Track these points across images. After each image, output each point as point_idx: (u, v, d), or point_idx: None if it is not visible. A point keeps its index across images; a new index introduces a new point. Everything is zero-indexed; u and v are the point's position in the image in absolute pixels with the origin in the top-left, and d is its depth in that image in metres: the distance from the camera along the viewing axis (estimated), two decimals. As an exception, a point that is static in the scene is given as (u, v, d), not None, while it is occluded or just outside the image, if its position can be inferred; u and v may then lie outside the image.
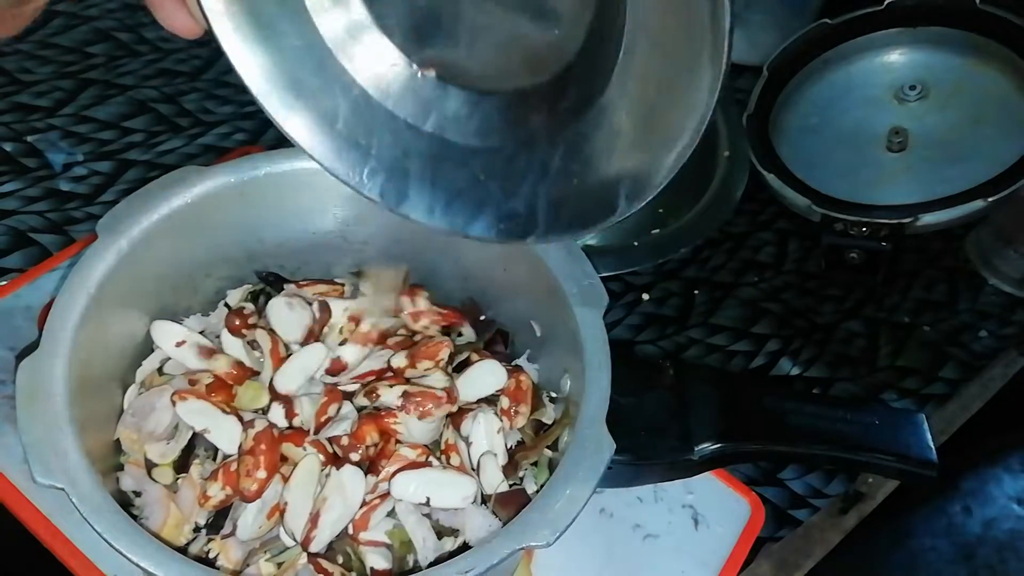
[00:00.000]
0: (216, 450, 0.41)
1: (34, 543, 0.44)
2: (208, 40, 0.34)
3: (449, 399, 0.41)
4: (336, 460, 0.40)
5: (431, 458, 0.41)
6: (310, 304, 0.45)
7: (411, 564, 0.39)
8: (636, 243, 0.59)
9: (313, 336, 0.45)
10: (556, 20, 0.34)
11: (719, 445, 0.48)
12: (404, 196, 0.38)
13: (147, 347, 0.44)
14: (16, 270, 0.59)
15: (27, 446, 0.34)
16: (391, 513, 0.40)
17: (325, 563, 0.37)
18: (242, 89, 0.36)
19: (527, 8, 0.34)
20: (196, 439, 0.41)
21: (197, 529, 0.40)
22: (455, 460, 0.41)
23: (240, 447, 0.40)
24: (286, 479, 0.39)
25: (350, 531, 0.39)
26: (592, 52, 0.33)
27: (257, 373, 0.43)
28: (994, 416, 0.63)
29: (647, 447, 0.47)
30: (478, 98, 0.37)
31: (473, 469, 0.41)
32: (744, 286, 0.67)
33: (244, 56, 0.35)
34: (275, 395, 0.42)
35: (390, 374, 0.43)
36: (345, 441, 0.40)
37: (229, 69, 0.35)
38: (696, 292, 0.66)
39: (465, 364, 0.45)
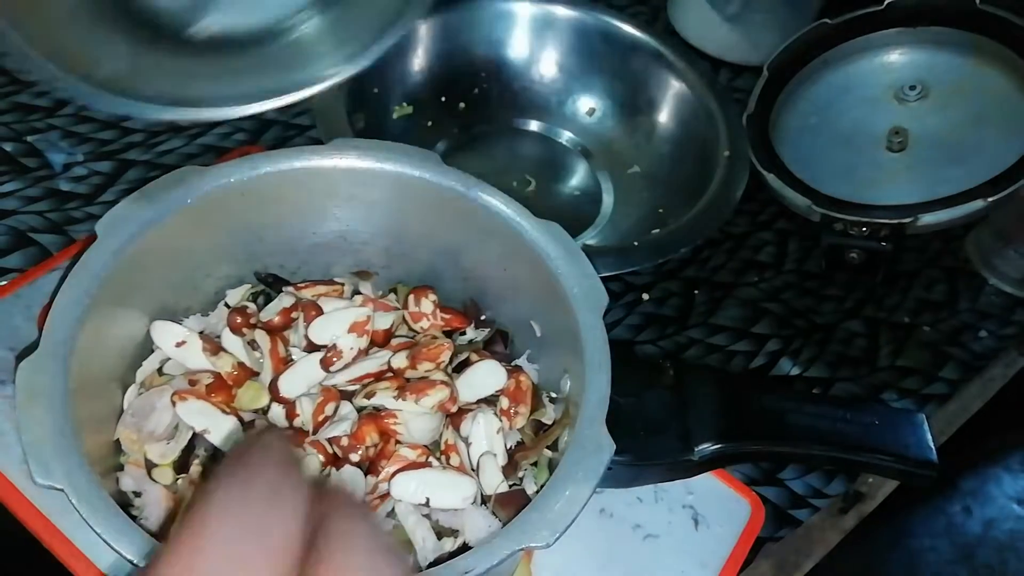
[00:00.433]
0: (216, 450, 0.41)
1: (34, 543, 0.44)
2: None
3: (449, 399, 0.41)
4: (336, 460, 0.40)
5: (431, 458, 0.41)
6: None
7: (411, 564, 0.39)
8: (636, 243, 0.59)
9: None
10: None
11: (719, 445, 0.48)
12: None
13: (147, 347, 0.44)
14: (16, 270, 0.59)
15: (27, 446, 0.34)
16: (391, 513, 0.40)
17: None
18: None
19: None
20: (196, 439, 0.41)
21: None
22: (455, 460, 0.41)
23: (240, 447, 0.40)
24: (286, 479, 0.39)
25: (350, 531, 0.39)
26: None
27: (257, 374, 0.43)
28: (994, 416, 0.63)
29: (647, 447, 0.47)
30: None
31: (473, 469, 0.41)
32: (744, 286, 0.67)
33: None
34: (276, 396, 0.42)
35: (390, 375, 0.43)
36: (345, 442, 0.40)
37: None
38: (696, 292, 0.66)
39: (465, 364, 0.45)
